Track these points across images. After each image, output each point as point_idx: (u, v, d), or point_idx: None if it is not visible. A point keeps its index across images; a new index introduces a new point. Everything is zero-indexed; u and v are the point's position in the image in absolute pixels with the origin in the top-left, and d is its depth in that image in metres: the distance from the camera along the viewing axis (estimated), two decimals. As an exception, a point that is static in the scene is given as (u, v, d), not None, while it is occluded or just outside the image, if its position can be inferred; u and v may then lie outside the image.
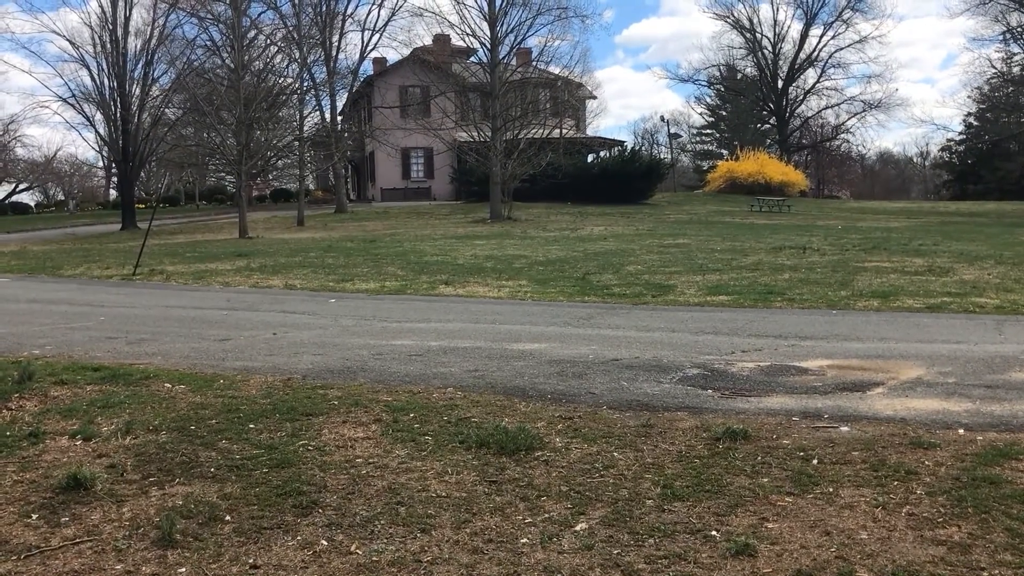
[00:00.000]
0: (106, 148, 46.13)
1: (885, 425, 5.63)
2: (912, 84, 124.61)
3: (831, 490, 4.54)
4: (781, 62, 68.33)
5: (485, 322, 10.56)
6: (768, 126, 70.86)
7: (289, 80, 40.04)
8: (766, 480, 4.70)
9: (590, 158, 47.06)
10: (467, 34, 35.91)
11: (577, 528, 4.15)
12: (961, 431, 5.48)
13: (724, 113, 73.59)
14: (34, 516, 4.39)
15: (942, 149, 68.80)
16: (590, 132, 49.12)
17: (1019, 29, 43.82)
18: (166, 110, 41.01)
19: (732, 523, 4.16)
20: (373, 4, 54.57)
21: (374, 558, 3.87)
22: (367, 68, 48.59)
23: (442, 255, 20.07)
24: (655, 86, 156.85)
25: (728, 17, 67.63)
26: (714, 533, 4.05)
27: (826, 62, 66.91)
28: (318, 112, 43.27)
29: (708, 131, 76.20)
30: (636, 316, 11.08)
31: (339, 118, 46.20)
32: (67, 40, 40.05)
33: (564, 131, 43.46)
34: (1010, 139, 51.96)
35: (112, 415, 6.05)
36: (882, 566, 3.69)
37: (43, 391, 6.71)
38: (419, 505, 4.44)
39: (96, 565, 3.86)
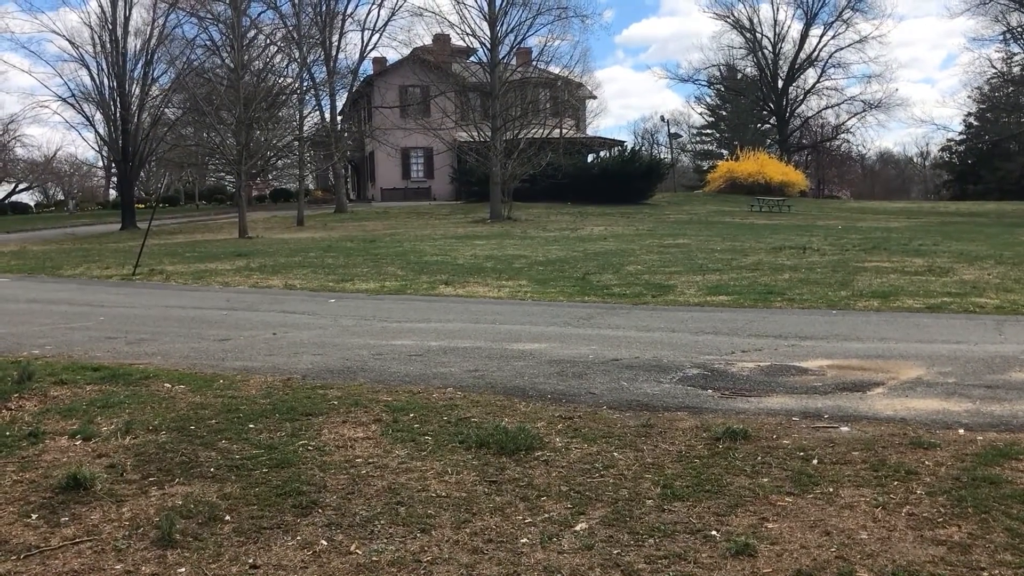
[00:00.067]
0: (106, 148, 46.17)
1: (885, 425, 5.63)
2: (912, 84, 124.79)
3: (831, 490, 4.54)
4: (781, 62, 68.35)
5: (485, 322, 10.56)
6: (768, 126, 70.86)
7: (289, 80, 40.10)
8: (766, 480, 4.70)
9: (590, 158, 47.06)
10: (467, 34, 35.95)
11: (577, 528, 4.15)
12: (961, 431, 5.47)
13: (724, 113, 73.59)
14: (34, 516, 4.39)
15: (942, 149, 68.88)
16: (590, 132, 49.13)
17: (1019, 29, 43.84)
18: (166, 110, 41.04)
19: (732, 523, 4.16)
20: (373, 4, 54.66)
21: (374, 558, 3.87)
22: (367, 68, 48.67)
23: (442, 255, 20.07)
24: (655, 86, 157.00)
25: (728, 17, 67.71)
26: (714, 533, 4.05)
27: (826, 62, 67.00)
28: (318, 112, 43.33)
29: (708, 131, 76.22)
30: (636, 316, 11.08)
31: (339, 118, 46.20)
32: (67, 40, 40.08)
33: (564, 131, 43.47)
34: (1010, 139, 51.97)
35: (112, 415, 6.04)
36: (882, 566, 3.69)
37: (43, 391, 6.71)
38: (419, 505, 4.44)
39: (96, 565, 3.86)
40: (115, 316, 11.71)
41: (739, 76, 70.72)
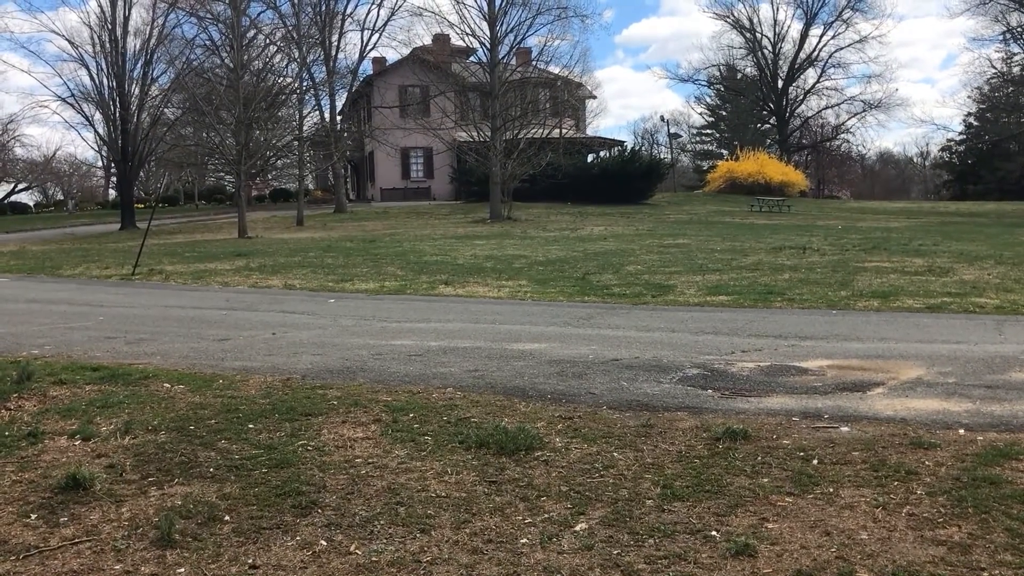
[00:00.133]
0: (105, 148, 46.16)
1: (885, 425, 5.63)
2: (912, 84, 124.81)
3: (831, 490, 4.53)
4: (781, 62, 68.37)
5: (485, 322, 10.55)
6: (768, 126, 70.86)
7: (288, 80, 40.05)
8: (766, 480, 4.69)
9: (590, 158, 47.06)
10: (467, 34, 35.94)
11: (577, 528, 4.14)
12: (961, 431, 5.47)
13: (724, 113, 73.60)
14: (33, 516, 4.38)
15: (942, 149, 68.90)
16: (590, 132, 49.15)
17: (1019, 29, 43.85)
18: (165, 110, 41.04)
19: (732, 523, 4.15)
20: (373, 4, 54.74)
21: (373, 558, 3.86)
22: (366, 68, 48.67)
23: (442, 255, 20.06)
24: (655, 86, 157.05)
25: (728, 17, 67.72)
26: (714, 533, 4.05)
27: (826, 62, 67.02)
28: (317, 112, 43.31)
29: (708, 131, 76.23)
30: (636, 316, 11.07)
31: (338, 118, 46.19)
32: (66, 40, 39.98)
33: (564, 131, 43.46)
34: (1010, 139, 51.97)
35: (111, 415, 6.04)
36: (882, 566, 3.69)
37: (42, 391, 6.70)
38: (419, 505, 4.43)
39: (95, 565, 3.85)
40: (114, 316, 11.71)
41: (739, 76, 70.73)
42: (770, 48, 68.23)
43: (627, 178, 41.60)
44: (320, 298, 13.63)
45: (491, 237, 25.31)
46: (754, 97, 69.59)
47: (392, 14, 45.10)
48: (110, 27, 37.29)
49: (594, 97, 47.22)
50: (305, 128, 41.09)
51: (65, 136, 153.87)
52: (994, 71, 49.21)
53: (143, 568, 3.82)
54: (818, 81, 67.97)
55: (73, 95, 39.56)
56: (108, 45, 37.51)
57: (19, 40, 67.27)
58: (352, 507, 4.43)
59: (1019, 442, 5.18)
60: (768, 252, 19.04)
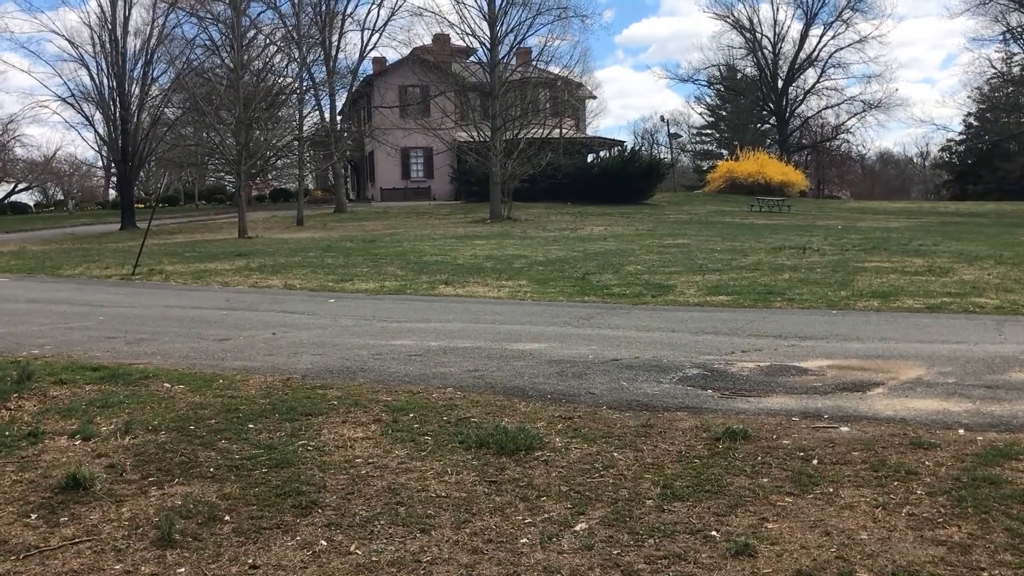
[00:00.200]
0: (105, 148, 46.17)
1: (885, 425, 5.63)
2: (912, 84, 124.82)
3: (831, 490, 4.53)
4: (781, 62, 68.37)
5: (485, 322, 10.55)
6: (768, 126, 70.86)
7: (288, 80, 40.07)
8: (766, 480, 4.69)
9: (590, 158, 47.06)
10: (467, 34, 35.94)
11: (577, 528, 4.14)
12: (961, 431, 5.47)
13: (724, 113, 73.60)
14: (33, 516, 4.39)
15: (942, 149, 68.90)
16: (590, 132, 49.15)
17: (1019, 29, 43.85)
18: (165, 110, 41.04)
19: (732, 523, 4.16)
20: (373, 4, 54.79)
21: (373, 558, 3.86)
22: (367, 68, 48.66)
23: (442, 255, 20.07)
24: (655, 86, 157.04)
25: (728, 17, 67.71)
26: (714, 533, 4.05)
27: (826, 62, 67.02)
28: (317, 112, 43.31)
29: (708, 131, 76.23)
30: (636, 316, 11.08)
31: (339, 118, 46.19)
32: (66, 40, 40.00)
33: (564, 131, 43.47)
34: (1010, 139, 51.96)
35: (111, 415, 6.04)
36: (882, 566, 3.69)
37: (42, 391, 6.71)
38: (419, 505, 4.44)
39: (95, 565, 3.85)
40: (114, 316, 11.71)
41: (739, 76, 70.73)
42: (770, 48, 68.28)
43: (627, 178, 41.60)
44: (320, 298, 13.63)
45: (491, 237, 25.31)
46: (754, 97, 69.59)
47: (392, 14, 45.17)
48: (110, 27, 37.32)
49: (594, 97, 47.26)
50: (305, 128, 41.11)
51: (65, 136, 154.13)
52: (994, 71, 49.27)
53: (143, 568, 3.82)
54: (818, 81, 68.07)
55: (73, 95, 39.64)
56: (108, 45, 37.53)
57: (19, 40, 67.27)
58: (352, 507, 4.43)
59: (1019, 442, 5.18)
60: (768, 252, 19.04)
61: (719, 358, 7.93)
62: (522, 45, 37.51)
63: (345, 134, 47.86)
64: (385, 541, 4.04)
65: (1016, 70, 48.78)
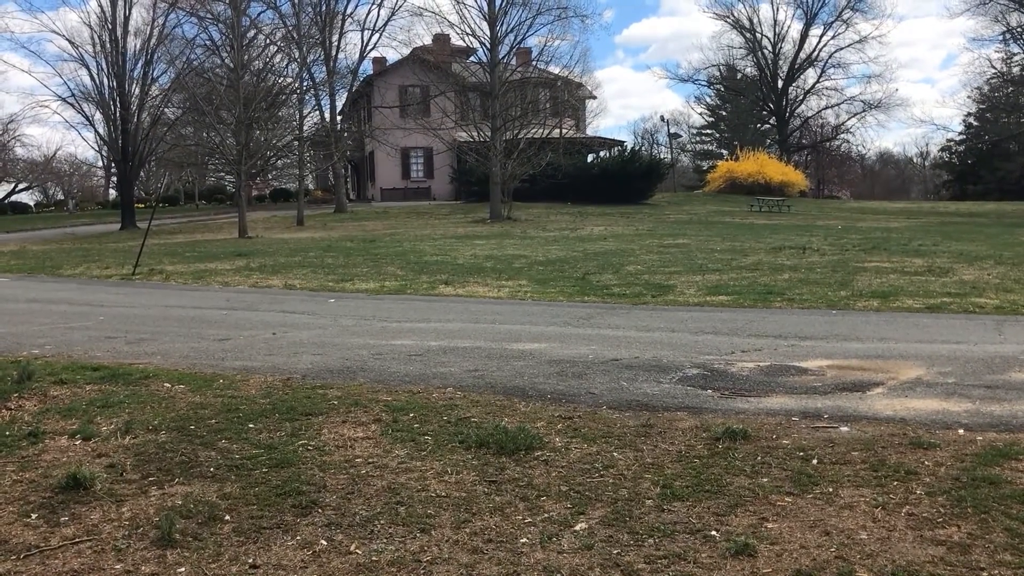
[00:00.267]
0: (105, 148, 46.15)
1: (885, 425, 5.63)
2: (912, 84, 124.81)
3: (831, 490, 4.54)
4: (781, 62, 68.36)
5: (485, 322, 10.56)
6: (768, 126, 70.85)
7: (289, 80, 40.09)
8: (766, 480, 4.70)
9: (590, 158, 47.06)
10: (467, 34, 35.93)
11: (577, 528, 4.15)
12: (961, 431, 5.47)
13: (724, 113, 73.59)
14: (33, 516, 4.39)
15: (942, 149, 68.89)
16: (590, 132, 49.14)
17: (1019, 29, 43.85)
18: (165, 110, 41.04)
19: (732, 523, 4.16)
20: (373, 4, 54.73)
21: (374, 558, 3.87)
22: (367, 68, 48.66)
23: (442, 255, 20.07)
24: (655, 86, 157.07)
25: (728, 17, 67.71)
26: (714, 533, 4.05)
27: (826, 62, 67.00)
28: (318, 112, 43.31)
29: (708, 131, 76.23)
30: (636, 316, 11.08)
31: (339, 118, 46.18)
32: (66, 40, 40.04)
33: (564, 131, 43.47)
34: (1010, 139, 51.96)
35: (111, 415, 6.04)
36: (882, 566, 3.69)
37: (42, 391, 6.71)
38: (419, 505, 4.44)
39: (95, 565, 3.85)
40: (115, 316, 11.71)
41: (739, 76, 70.72)
42: (770, 48, 68.27)
43: (627, 178, 41.60)
44: (320, 298, 13.63)
45: (491, 237, 25.31)
46: (754, 97, 69.59)
47: (392, 14, 45.10)
48: (110, 27, 37.32)
49: (594, 97, 47.25)
50: (305, 128, 41.12)
51: (65, 136, 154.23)
52: (994, 71, 49.27)
53: (143, 568, 3.82)
54: (818, 81, 68.06)
55: (73, 95, 39.65)
56: (108, 45, 37.53)
57: (19, 40, 66.95)
58: (352, 507, 4.43)
59: (1019, 442, 5.18)
60: (768, 252, 19.04)
61: (719, 358, 7.93)
62: (522, 45, 37.55)
63: (345, 134, 47.86)
64: (385, 541, 4.04)
65: (1016, 70, 48.80)
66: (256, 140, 33.77)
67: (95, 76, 38.07)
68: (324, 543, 4.03)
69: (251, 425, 5.77)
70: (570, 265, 17.39)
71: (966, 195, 58.32)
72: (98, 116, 39.95)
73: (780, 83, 68.28)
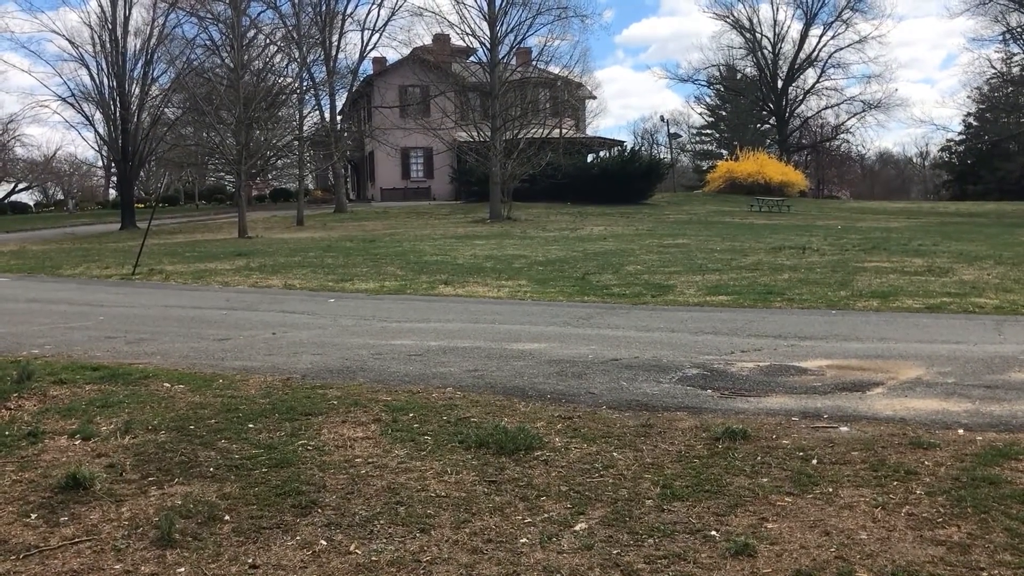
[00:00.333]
0: (105, 148, 46.15)
1: (885, 425, 5.63)
2: (912, 84, 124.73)
3: (831, 490, 4.54)
4: (781, 62, 68.35)
5: (485, 322, 10.56)
6: (768, 126, 70.85)
7: (289, 80, 40.09)
8: (766, 480, 4.70)
9: (590, 158, 47.07)
10: (467, 34, 35.93)
11: (577, 528, 4.15)
12: (961, 431, 5.47)
13: (724, 113, 73.59)
14: (33, 516, 4.39)
15: (942, 149, 68.88)
16: (590, 132, 49.15)
17: (1019, 29, 43.85)
18: (165, 109, 41.04)
19: (732, 523, 4.16)
20: (373, 4, 54.74)
21: (373, 558, 3.86)
22: (367, 68, 48.66)
23: (442, 255, 20.07)
24: (655, 86, 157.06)
25: (728, 17, 67.70)
26: (714, 533, 4.05)
27: (826, 62, 66.99)
28: (318, 112, 43.32)
29: (708, 131, 76.22)
30: (636, 316, 11.08)
31: (339, 118, 46.19)
32: (66, 39, 40.07)
33: (564, 131, 43.47)
34: (1010, 139, 51.95)
35: (111, 415, 6.04)
36: (882, 566, 3.69)
37: (42, 391, 6.71)
38: (418, 505, 4.44)
39: (95, 565, 3.85)
40: (115, 316, 11.71)
41: (739, 76, 70.72)
42: (770, 48, 68.27)
43: (627, 178, 41.60)
44: (320, 298, 13.63)
45: (491, 237, 25.31)
46: (754, 97, 69.59)
47: (392, 14, 45.12)
48: (110, 27, 37.32)
49: (594, 97, 47.28)
50: (305, 128, 41.11)
51: (65, 136, 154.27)
52: (994, 71, 49.27)
53: (143, 568, 3.82)
54: (818, 81, 68.04)
55: (73, 95, 39.65)
56: (108, 45, 37.53)
57: (19, 40, 66.89)
58: (352, 507, 4.43)
59: (1018, 442, 5.18)
60: (768, 252, 19.04)
61: (719, 358, 7.93)
62: (522, 45, 37.55)
63: (345, 134, 47.88)
64: (385, 541, 4.04)
65: (1016, 70, 48.79)
66: (256, 140, 33.78)
67: (95, 76, 38.14)
68: (324, 543, 4.03)
69: (251, 425, 5.77)
70: (570, 265, 17.39)
71: (966, 195, 58.32)
72: (98, 116, 40.04)
73: (780, 83, 68.28)
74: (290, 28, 38.35)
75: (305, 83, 39.73)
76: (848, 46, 65.40)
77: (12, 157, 59.24)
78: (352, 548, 3.97)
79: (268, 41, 39.00)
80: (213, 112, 31.98)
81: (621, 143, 51.31)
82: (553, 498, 4.52)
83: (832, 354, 8.11)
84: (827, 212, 39.58)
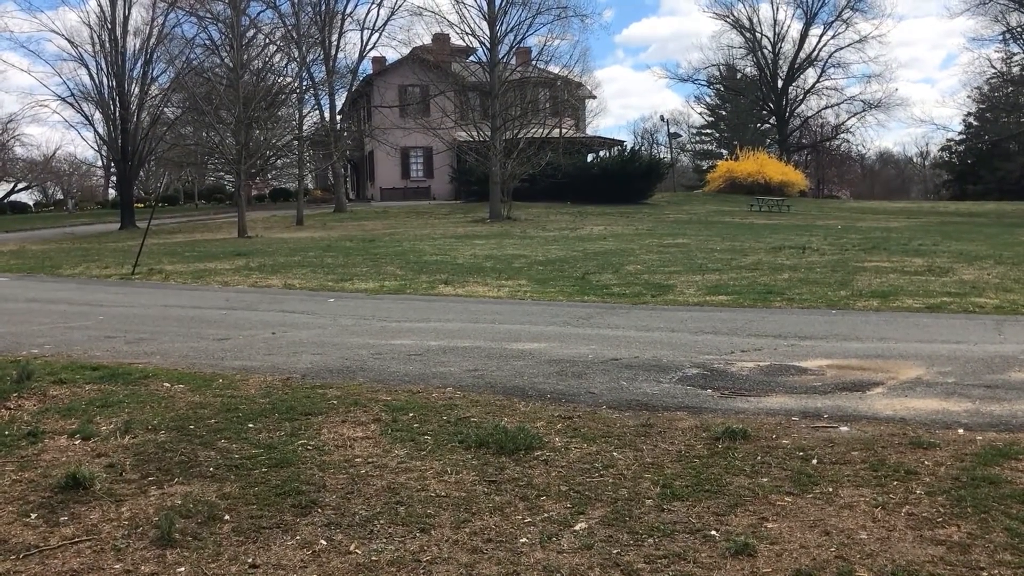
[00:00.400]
0: (105, 147, 46.11)
1: (885, 425, 5.63)
2: (912, 84, 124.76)
3: (831, 490, 4.54)
4: (781, 62, 68.36)
5: (484, 322, 10.56)
6: (768, 126, 70.86)
7: (288, 79, 40.04)
8: (766, 480, 4.69)
9: (590, 158, 47.07)
10: (467, 33, 35.93)
11: (576, 528, 4.15)
12: (961, 431, 5.47)
13: (724, 113, 73.60)
14: (33, 515, 4.38)
15: (942, 149, 68.90)
16: (590, 132, 49.14)
17: (1019, 29, 43.86)
18: (165, 109, 41.03)
19: (732, 523, 4.16)
20: (372, 3, 54.87)
21: (373, 558, 3.86)
22: (366, 67, 48.65)
23: (441, 255, 20.07)
24: (655, 86, 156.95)
25: (728, 17, 67.71)
26: (714, 533, 4.05)
27: (826, 62, 67.02)
28: (317, 111, 43.34)
29: (708, 131, 76.23)
30: (635, 316, 11.08)
31: (338, 117, 46.18)
32: (66, 39, 40.10)
33: (564, 131, 43.46)
34: (1010, 139, 51.97)
35: (111, 414, 6.04)
36: (882, 566, 3.69)
37: (42, 390, 6.70)
38: (418, 505, 4.44)
39: (95, 564, 3.85)
40: (114, 315, 11.71)
41: (739, 76, 70.73)
42: (770, 48, 68.27)
43: (627, 178, 41.61)
44: (320, 297, 13.63)
45: (491, 237, 25.31)
46: (754, 97, 69.59)
47: (392, 14, 45.24)
48: (110, 26, 37.29)
49: (594, 97, 47.26)
50: (305, 128, 41.11)
51: (65, 135, 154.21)
52: (994, 71, 49.29)
53: (143, 567, 3.82)
54: (818, 81, 68.07)
55: (73, 94, 39.62)
56: (108, 44, 37.50)
57: (19, 40, 67.16)
58: (352, 506, 4.43)
59: (1018, 442, 5.18)
60: (768, 252, 19.04)
61: (719, 358, 7.93)
62: (522, 45, 37.55)
63: (345, 134, 47.88)
64: (385, 540, 4.04)
65: (1016, 70, 48.80)
66: (256, 140, 33.78)
67: (94, 76, 38.10)
68: (324, 543, 4.02)
69: (250, 425, 5.77)
70: (570, 265, 17.39)
71: (966, 195, 58.32)
72: (98, 116, 39.99)
73: (780, 83, 68.29)
74: (289, 28, 38.36)
75: (305, 83, 39.76)
76: (848, 46, 65.50)
77: (12, 157, 59.31)
78: (352, 548, 3.97)
79: (267, 41, 38.98)
80: (213, 112, 31.98)
81: (621, 143, 51.34)
82: (553, 498, 4.52)
83: (832, 354, 8.11)
84: (827, 212, 39.59)
